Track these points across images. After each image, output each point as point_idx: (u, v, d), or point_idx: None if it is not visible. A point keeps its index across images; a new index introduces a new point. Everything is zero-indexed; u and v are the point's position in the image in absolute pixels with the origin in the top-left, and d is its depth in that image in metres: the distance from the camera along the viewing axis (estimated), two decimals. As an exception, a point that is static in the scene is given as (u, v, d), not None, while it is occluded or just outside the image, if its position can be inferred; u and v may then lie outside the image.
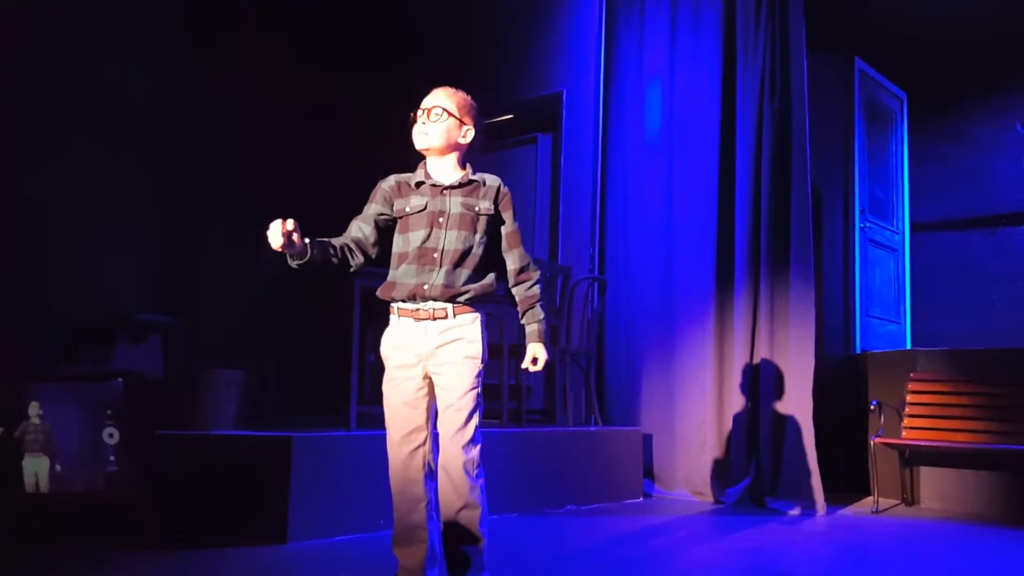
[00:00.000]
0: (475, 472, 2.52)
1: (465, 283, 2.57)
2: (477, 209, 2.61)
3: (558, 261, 5.93)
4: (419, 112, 2.65)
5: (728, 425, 5.17)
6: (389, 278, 2.60)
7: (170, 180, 5.85)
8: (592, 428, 5.30)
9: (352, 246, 2.62)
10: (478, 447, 2.54)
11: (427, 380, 2.58)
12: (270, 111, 6.02)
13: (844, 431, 5.48)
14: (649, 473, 5.41)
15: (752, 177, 5.23)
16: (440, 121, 2.62)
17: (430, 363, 2.56)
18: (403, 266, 2.58)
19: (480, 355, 2.58)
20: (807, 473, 4.82)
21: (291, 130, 6.12)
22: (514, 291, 2.74)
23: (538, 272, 2.74)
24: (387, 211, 2.66)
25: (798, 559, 3.58)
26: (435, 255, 2.55)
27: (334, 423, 4.14)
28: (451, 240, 2.56)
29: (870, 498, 5.06)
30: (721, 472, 5.16)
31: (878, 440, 4.99)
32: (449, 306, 2.55)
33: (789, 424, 4.94)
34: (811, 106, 5.15)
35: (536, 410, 5.65)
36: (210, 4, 5.94)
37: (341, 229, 2.69)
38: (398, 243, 2.63)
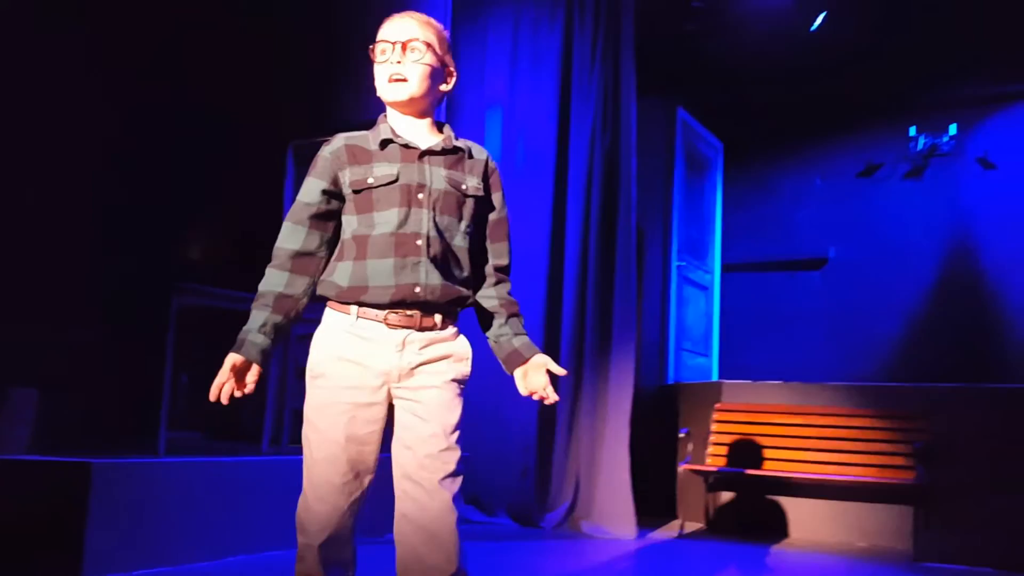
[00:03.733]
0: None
1: (460, 283, 1.95)
2: (464, 188, 1.95)
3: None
4: (383, 46, 1.94)
5: (551, 451, 5.30)
6: (348, 277, 1.87)
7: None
8: (416, 454, 5.26)
9: (303, 282, 1.91)
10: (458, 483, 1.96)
11: (388, 407, 1.93)
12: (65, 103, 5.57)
13: (658, 458, 5.76)
14: (473, 499, 5.43)
15: (583, 210, 5.43)
16: (421, 60, 1.92)
17: (402, 385, 1.89)
18: (371, 260, 1.86)
19: (467, 378, 1.98)
20: (621, 498, 5.01)
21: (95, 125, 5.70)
22: (489, 292, 2.05)
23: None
24: (334, 187, 1.93)
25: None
26: (418, 242, 1.86)
27: (141, 449, 3.88)
28: (435, 226, 1.89)
29: (677, 522, 5.32)
30: (542, 497, 5.26)
31: (685, 467, 5.27)
32: (438, 316, 1.92)
33: (607, 450, 5.12)
34: (637, 149, 5.43)
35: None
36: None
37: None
38: (354, 226, 1.90)
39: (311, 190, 1.93)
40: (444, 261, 1.90)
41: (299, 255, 1.91)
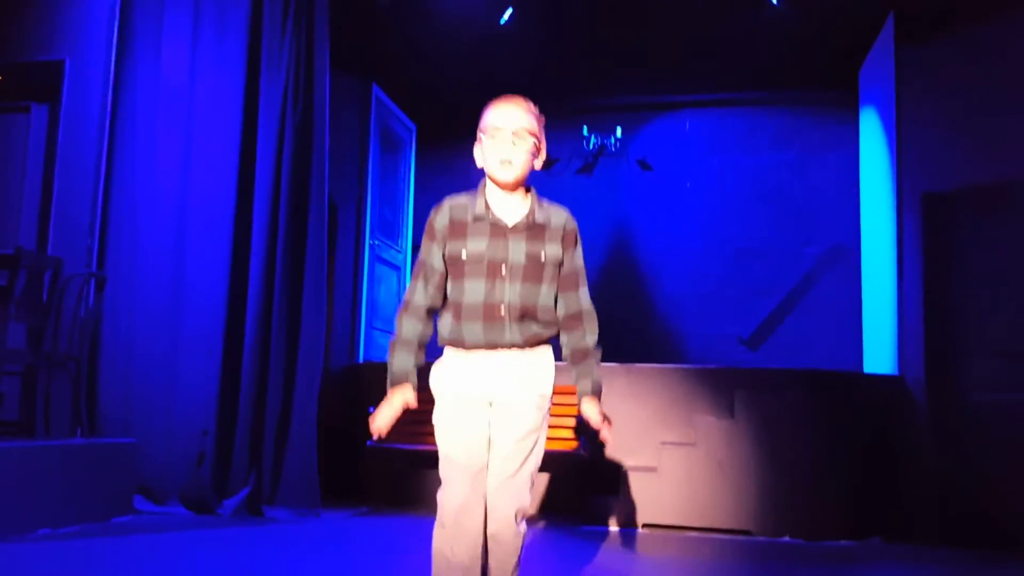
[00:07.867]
0: (521, 540, 2.30)
1: (544, 327, 2.33)
2: (543, 258, 2.29)
3: (47, 252, 5.24)
4: (493, 131, 2.27)
5: (232, 434, 5.07)
6: (448, 330, 2.31)
7: None
8: (77, 441, 4.78)
9: (430, 331, 2.37)
10: (527, 504, 2.31)
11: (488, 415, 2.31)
12: None
13: (345, 437, 5.75)
14: (144, 488, 5.04)
15: (272, 182, 5.23)
16: (527, 148, 2.28)
17: (497, 392, 2.30)
18: (465, 323, 2.27)
19: (550, 393, 2.34)
20: (307, 480, 4.96)
21: None
22: (563, 339, 2.38)
23: (595, 324, 2.39)
24: (443, 252, 2.31)
25: (267, 566, 3.66)
26: (500, 311, 2.26)
27: None
28: (516, 294, 2.26)
29: (363, 501, 5.36)
30: (220, 484, 5.03)
31: (371, 446, 5.34)
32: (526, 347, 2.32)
33: (293, 432, 5.03)
34: (331, 125, 5.34)
35: (10, 422, 4.91)
36: None
37: None
38: (452, 291, 2.31)
39: (435, 255, 2.31)
40: (526, 319, 2.27)
41: (430, 310, 2.33)
